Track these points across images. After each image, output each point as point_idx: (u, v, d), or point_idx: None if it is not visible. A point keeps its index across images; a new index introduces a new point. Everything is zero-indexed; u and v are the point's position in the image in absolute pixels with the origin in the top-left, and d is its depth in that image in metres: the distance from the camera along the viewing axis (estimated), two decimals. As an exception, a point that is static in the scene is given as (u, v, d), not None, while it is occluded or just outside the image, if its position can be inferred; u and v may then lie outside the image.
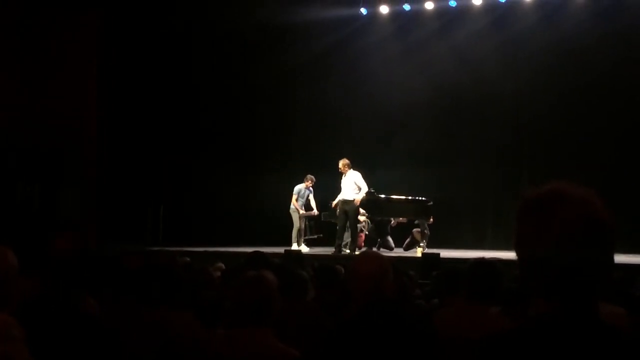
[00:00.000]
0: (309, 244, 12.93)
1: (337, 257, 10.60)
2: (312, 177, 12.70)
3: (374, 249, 11.57)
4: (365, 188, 11.50)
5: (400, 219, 12.68)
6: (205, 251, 10.87)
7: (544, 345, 1.37)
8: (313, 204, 12.84)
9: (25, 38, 13.35)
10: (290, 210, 12.68)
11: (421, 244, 11.97)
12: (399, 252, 12.44)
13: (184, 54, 14.42)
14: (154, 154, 14.19)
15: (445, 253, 10.24)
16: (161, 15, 13.95)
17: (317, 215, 12.93)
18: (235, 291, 2.99)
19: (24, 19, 13.24)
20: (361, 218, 12.47)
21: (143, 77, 14.10)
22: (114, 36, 13.82)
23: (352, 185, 11.47)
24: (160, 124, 14.35)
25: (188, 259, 6.85)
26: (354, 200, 11.43)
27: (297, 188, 12.70)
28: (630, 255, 9.71)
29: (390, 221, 12.81)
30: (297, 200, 12.60)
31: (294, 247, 12.20)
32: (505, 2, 14.09)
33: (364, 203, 11.71)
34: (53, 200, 13.03)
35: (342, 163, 11.57)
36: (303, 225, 12.80)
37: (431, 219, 12.43)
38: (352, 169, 11.58)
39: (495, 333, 1.47)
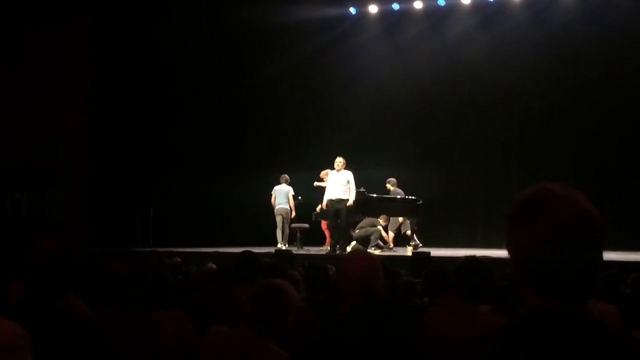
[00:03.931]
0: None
1: (329, 256, 10.57)
2: (286, 175, 12.74)
3: (368, 250, 11.53)
4: (354, 188, 11.39)
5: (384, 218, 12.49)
6: (195, 252, 10.83)
7: (535, 343, 1.38)
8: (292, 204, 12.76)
9: (19, 45, 13.34)
10: (278, 211, 12.58)
11: (412, 243, 11.96)
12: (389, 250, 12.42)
13: (171, 55, 14.33)
14: (143, 155, 14.12)
15: (435, 252, 10.23)
16: (151, 18, 13.88)
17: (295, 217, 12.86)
18: (252, 297, 2.95)
19: (18, 28, 13.25)
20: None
21: (132, 80, 14.02)
22: (106, 42, 13.79)
23: (345, 184, 11.37)
24: (149, 125, 14.27)
25: (179, 259, 6.83)
26: (346, 199, 11.34)
27: (289, 189, 12.64)
28: (621, 252, 9.74)
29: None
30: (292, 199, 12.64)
31: (285, 246, 12.16)
32: (493, 1, 14.11)
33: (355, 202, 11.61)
34: (43, 205, 12.95)
35: (343, 161, 11.37)
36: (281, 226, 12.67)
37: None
38: (345, 168, 11.48)
39: (488, 331, 1.48)
